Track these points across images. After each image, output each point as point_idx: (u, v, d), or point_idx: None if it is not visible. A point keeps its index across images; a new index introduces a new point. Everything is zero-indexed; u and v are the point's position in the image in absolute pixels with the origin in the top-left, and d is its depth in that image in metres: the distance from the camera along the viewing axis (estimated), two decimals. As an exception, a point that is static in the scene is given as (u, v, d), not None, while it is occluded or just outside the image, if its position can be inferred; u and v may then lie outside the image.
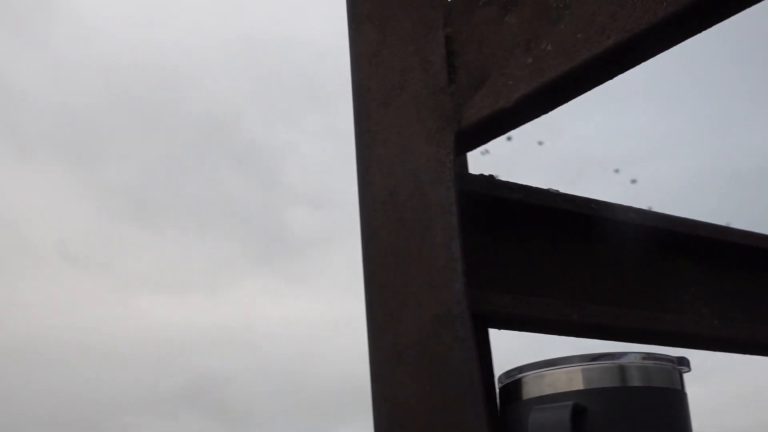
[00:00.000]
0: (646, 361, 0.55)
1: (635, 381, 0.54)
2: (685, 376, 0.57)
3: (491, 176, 0.58)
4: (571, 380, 0.53)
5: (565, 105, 0.55)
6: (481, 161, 0.70)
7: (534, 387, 0.53)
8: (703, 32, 0.47)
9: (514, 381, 0.55)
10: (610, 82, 0.52)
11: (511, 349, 0.65)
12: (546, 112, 0.54)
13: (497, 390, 0.56)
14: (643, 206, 0.67)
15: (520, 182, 0.59)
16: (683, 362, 0.57)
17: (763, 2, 0.44)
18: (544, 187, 0.60)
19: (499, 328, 0.59)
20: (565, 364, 0.53)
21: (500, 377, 0.56)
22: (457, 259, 0.52)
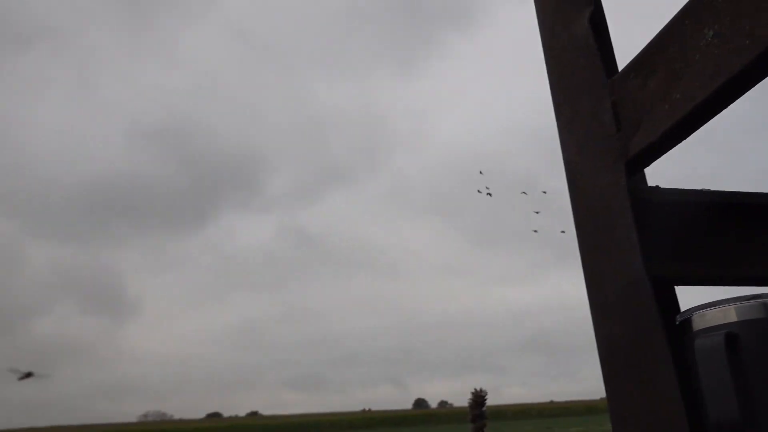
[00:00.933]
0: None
1: (778, 314, 0.76)
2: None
3: (656, 186, 0.88)
4: (726, 315, 0.78)
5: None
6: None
7: (699, 322, 0.80)
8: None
9: (686, 319, 0.82)
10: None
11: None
12: (679, 142, 0.83)
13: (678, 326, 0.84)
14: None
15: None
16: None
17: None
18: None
19: (680, 285, 0.87)
20: (722, 304, 0.79)
21: (677, 317, 0.84)
22: (635, 246, 0.83)
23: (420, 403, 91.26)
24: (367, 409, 79.68)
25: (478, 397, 1.95)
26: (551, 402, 79.56)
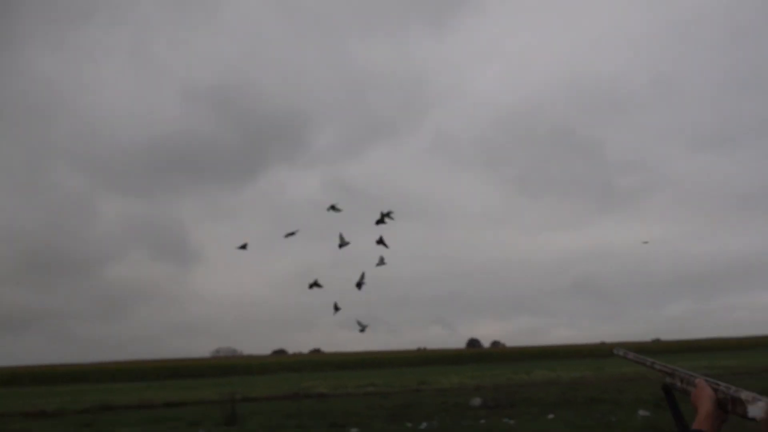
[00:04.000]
0: None
1: None
2: None
3: None
4: None
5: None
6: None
7: None
8: None
9: None
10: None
11: None
12: None
13: None
14: None
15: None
16: None
17: None
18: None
19: None
20: None
21: None
22: None
23: (473, 343, 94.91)
24: (422, 347, 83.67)
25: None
26: (602, 343, 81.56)
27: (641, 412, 14.77)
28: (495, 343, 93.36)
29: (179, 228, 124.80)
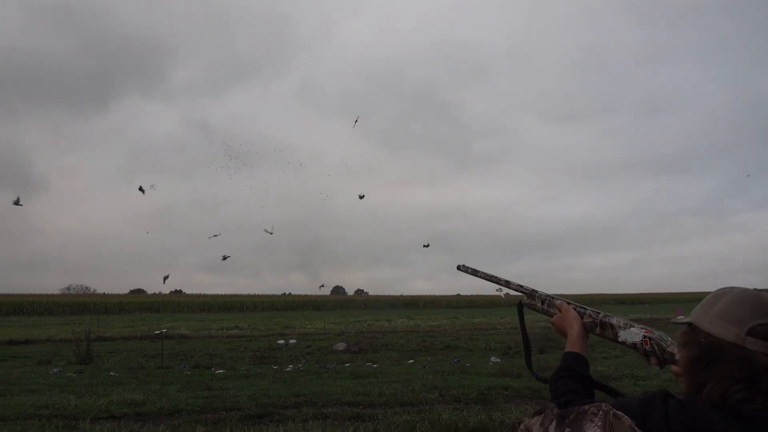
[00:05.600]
0: None
1: None
2: None
3: None
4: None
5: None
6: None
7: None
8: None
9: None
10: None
11: None
12: None
13: None
14: None
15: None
16: None
17: None
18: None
19: None
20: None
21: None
22: None
23: (338, 290, 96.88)
24: (287, 293, 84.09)
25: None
26: (458, 295, 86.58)
27: (493, 359, 16.10)
28: (359, 291, 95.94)
29: (18, 154, 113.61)
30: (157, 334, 25.81)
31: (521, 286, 2.00)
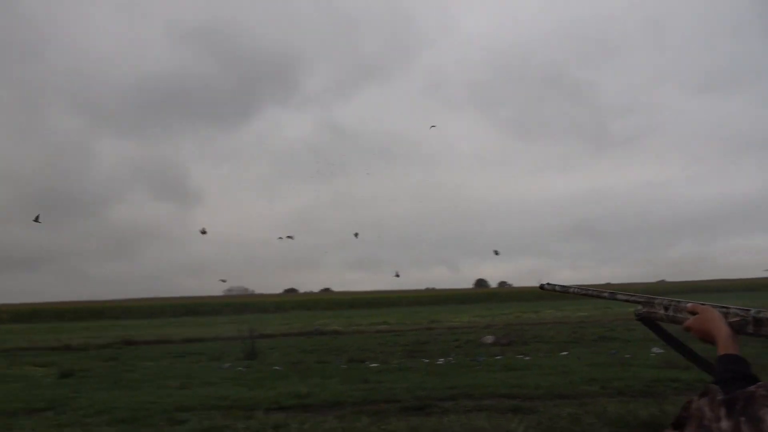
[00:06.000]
0: None
1: None
2: None
3: None
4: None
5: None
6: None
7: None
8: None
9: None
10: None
11: None
12: None
13: None
14: None
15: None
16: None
17: None
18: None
19: None
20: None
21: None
22: None
23: (481, 283, 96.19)
24: (430, 287, 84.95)
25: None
26: (608, 284, 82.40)
27: (655, 350, 15.12)
28: (502, 284, 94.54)
29: (177, 168, 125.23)
30: (313, 330, 27.23)
31: (632, 296, 1.76)
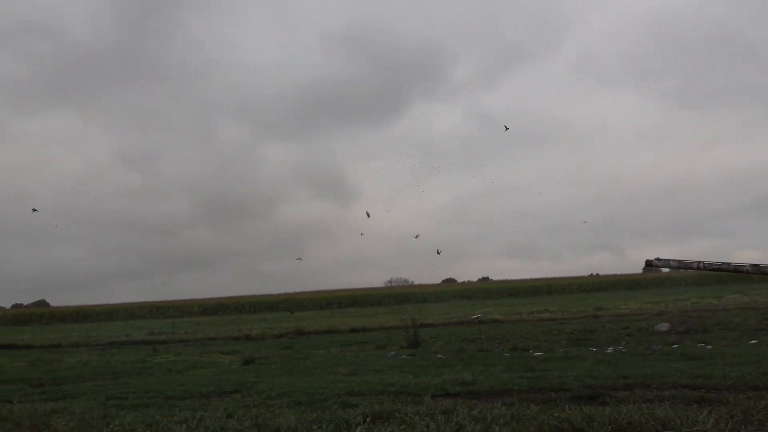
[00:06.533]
0: None
1: None
2: None
3: None
4: None
5: None
6: None
7: None
8: None
9: None
10: None
11: None
12: None
13: None
14: None
15: None
16: None
17: None
18: None
19: None
20: None
21: None
22: None
23: (650, 264, 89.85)
24: (594, 273, 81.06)
25: None
26: (804, 264, 72.81)
27: None
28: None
29: (335, 168, 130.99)
30: (473, 319, 27.19)
31: None
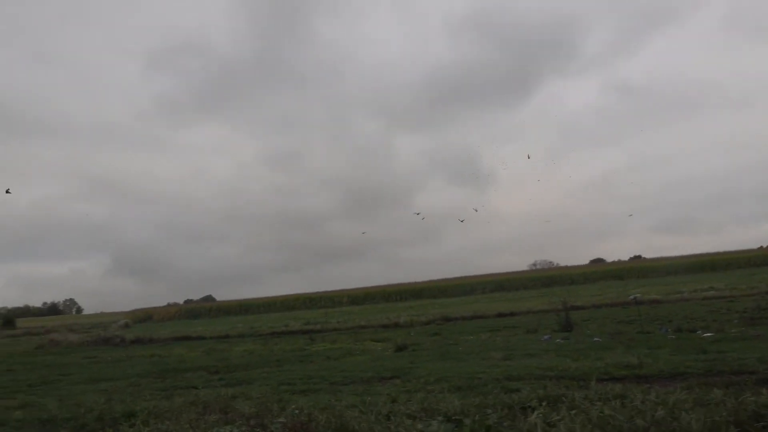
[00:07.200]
0: None
1: None
2: None
3: None
4: None
5: None
6: None
7: None
8: None
9: None
10: None
11: None
12: None
13: None
14: None
15: None
16: None
17: None
18: None
19: None
20: None
21: None
22: None
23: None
24: (764, 246, 73.41)
25: None
26: None
27: None
28: None
29: (468, 153, 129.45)
30: (630, 300, 25.78)
31: None
